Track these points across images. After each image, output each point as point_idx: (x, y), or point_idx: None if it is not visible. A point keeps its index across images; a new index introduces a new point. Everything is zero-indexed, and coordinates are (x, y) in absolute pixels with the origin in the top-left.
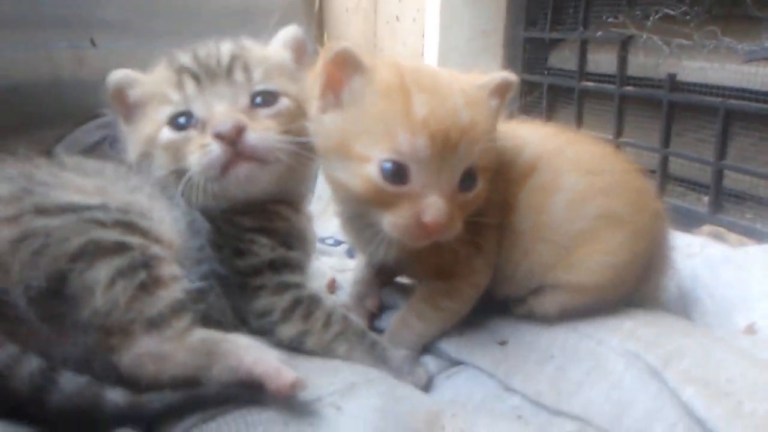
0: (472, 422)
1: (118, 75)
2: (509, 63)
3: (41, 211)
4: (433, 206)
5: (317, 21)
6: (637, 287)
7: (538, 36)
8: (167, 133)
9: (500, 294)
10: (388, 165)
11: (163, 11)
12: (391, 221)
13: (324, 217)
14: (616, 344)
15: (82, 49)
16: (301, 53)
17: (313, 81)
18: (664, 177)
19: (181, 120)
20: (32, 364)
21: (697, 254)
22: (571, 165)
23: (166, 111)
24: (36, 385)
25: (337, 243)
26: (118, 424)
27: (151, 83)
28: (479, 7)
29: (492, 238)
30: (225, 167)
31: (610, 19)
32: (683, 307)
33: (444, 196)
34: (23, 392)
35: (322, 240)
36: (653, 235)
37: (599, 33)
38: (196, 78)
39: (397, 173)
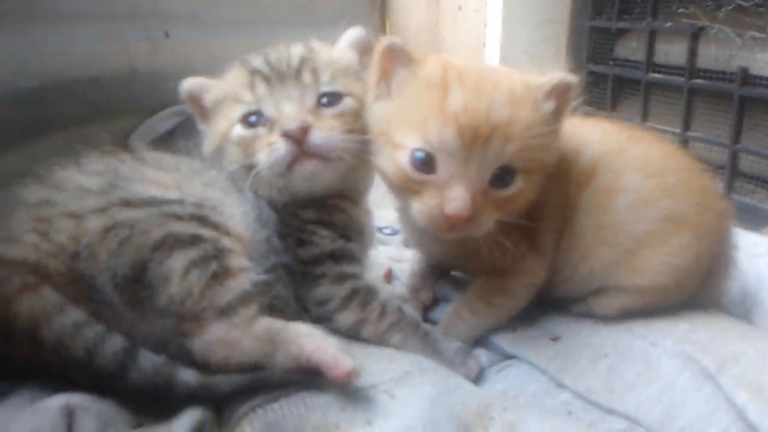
0: (523, 416)
1: (190, 82)
2: (574, 53)
3: (126, 204)
4: (456, 198)
5: (380, 11)
6: (698, 288)
7: (605, 26)
8: (239, 130)
9: (557, 294)
10: (419, 154)
11: (231, 2)
12: (416, 208)
13: (382, 206)
14: (670, 346)
15: (157, 40)
16: (366, 53)
17: (369, 72)
18: (734, 173)
19: (252, 119)
20: (116, 343)
21: (763, 254)
22: (635, 165)
23: (239, 110)
24: (119, 363)
25: (395, 233)
26: (190, 402)
27: (226, 85)
28: None
29: (550, 238)
30: (290, 164)
31: (680, 10)
32: (745, 310)
33: (470, 190)
34: (107, 368)
35: (380, 229)
36: (717, 236)
37: (669, 23)
38: (267, 80)
39: (426, 162)
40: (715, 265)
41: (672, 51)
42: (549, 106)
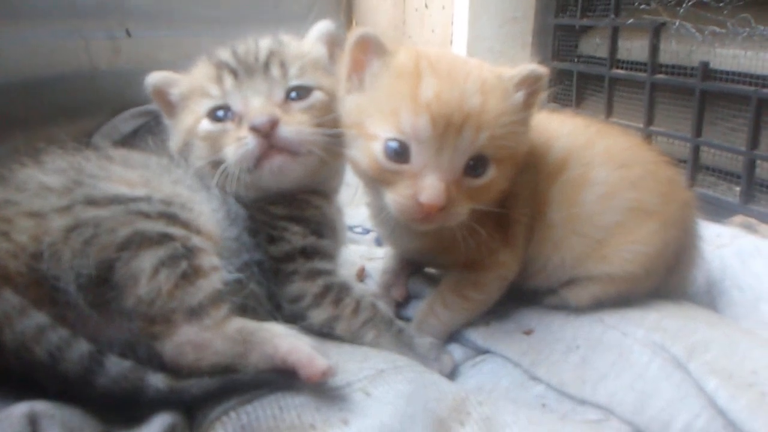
0: (498, 409)
1: (156, 76)
2: (539, 50)
3: (91, 202)
4: (430, 187)
5: (346, 8)
6: (665, 278)
7: (569, 23)
8: (206, 125)
9: (529, 286)
10: (392, 144)
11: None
12: (391, 199)
13: (352, 206)
14: (641, 336)
15: (118, 38)
16: (335, 48)
17: (341, 65)
18: (696, 166)
19: (219, 113)
20: (82, 347)
21: (727, 245)
22: (602, 159)
23: (206, 104)
24: (84, 368)
25: (366, 231)
26: (159, 407)
27: (193, 79)
28: None
29: (520, 231)
30: (259, 159)
31: (642, 6)
32: (711, 299)
33: (443, 179)
34: (73, 373)
35: (351, 228)
36: (683, 225)
37: (631, 20)
38: (234, 73)
39: (399, 152)
40: (682, 255)
41: (634, 47)
42: (519, 96)
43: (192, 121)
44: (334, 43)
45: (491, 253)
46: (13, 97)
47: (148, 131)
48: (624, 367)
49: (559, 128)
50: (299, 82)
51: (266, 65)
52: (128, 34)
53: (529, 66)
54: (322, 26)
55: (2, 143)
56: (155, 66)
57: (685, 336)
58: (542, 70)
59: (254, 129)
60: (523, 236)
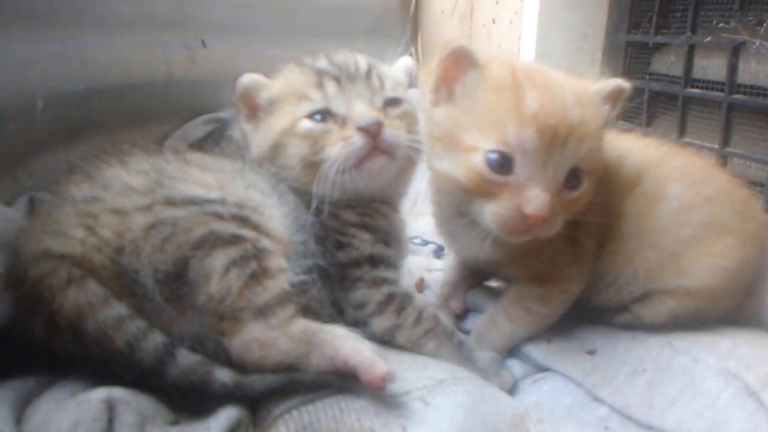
0: (558, 429)
1: (248, 78)
2: (609, 67)
3: (170, 202)
4: (536, 198)
5: (412, 23)
6: (741, 302)
7: (641, 40)
8: (307, 124)
9: (597, 303)
10: (494, 155)
11: (267, 13)
12: (492, 211)
13: (411, 216)
14: (713, 363)
15: (194, 49)
16: (411, 81)
17: (425, 76)
18: None
19: (318, 117)
20: (157, 339)
21: None
22: (676, 174)
23: (306, 107)
24: (158, 358)
25: (425, 243)
26: (225, 400)
27: (287, 83)
28: (579, 10)
29: (590, 246)
30: (363, 158)
31: (720, 24)
32: None
33: (547, 190)
34: (147, 363)
35: (410, 239)
36: (761, 245)
37: (708, 38)
38: (337, 79)
39: (502, 163)
40: (758, 280)
41: (710, 66)
42: (606, 110)
43: (288, 122)
44: (411, 77)
45: (560, 267)
46: (95, 102)
47: (216, 138)
48: (694, 394)
49: (631, 145)
50: (394, 95)
51: (368, 75)
52: (204, 44)
53: (614, 80)
54: (404, 61)
55: (83, 145)
56: (227, 76)
57: (759, 365)
58: (627, 85)
59: (363, 129)
60: (591, 252)
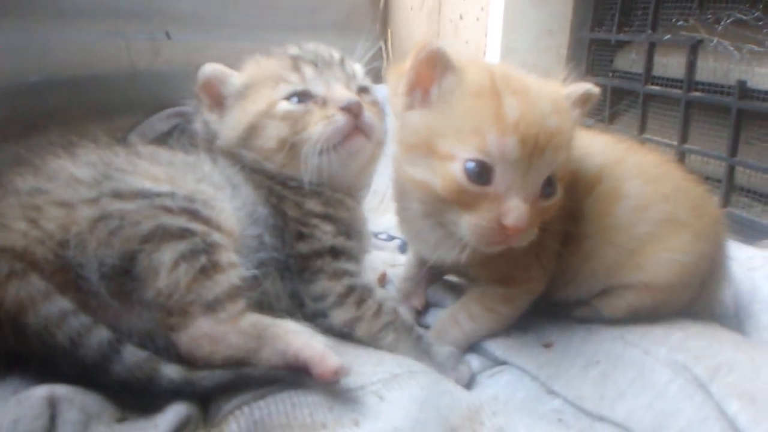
0: (512, 421)
1: (209, 68)
2: (573, 64)
3: (117, 195)
4: (516, 209)
5: (381, 18)
6: (696, 295)
7: (605, 37)
8: (286, 105)
9: (557, 297)
10: (473, 165)
11: (234, 5)
12: (469, 222)
13: (378, 212)
14: (663, 354)
15: (158, 40)
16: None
17: (397, 78)
18: (730, 187)
19: (295, 99)
20: (101, 334)
21: (759, 267)
22: (634, 173)
23: (285, 89)
24: (102, 354)
25: (390, 238)
26: (174, 397)
27: (256, 71)
28: (544, 7)
29: (552, 246)
30: (345, 137)
31: (679, 23)
32: (738, 322)
33: (527, 200)
34: (91, 359)
35: (376, 235)
36: (715, 240)
37: (668, 36)
38: (313, 63)
39: (481, 173)
40: (712, 274)
41: (670, 63)
42: (576, 114)
43: (265, 105)
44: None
45: (524, 268)
46: (55, 94)
47: (181, 131)
48: (644, 386)
49: (592, 144)
50: (365, 83)
51: (341, 61)
52: (168, 36)
53: (583, 85)
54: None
55: (42, 138)
56: (192, 68)
57: (708, 357)
58: (595, 89)
59: (346, 108)
60: (552, 250)
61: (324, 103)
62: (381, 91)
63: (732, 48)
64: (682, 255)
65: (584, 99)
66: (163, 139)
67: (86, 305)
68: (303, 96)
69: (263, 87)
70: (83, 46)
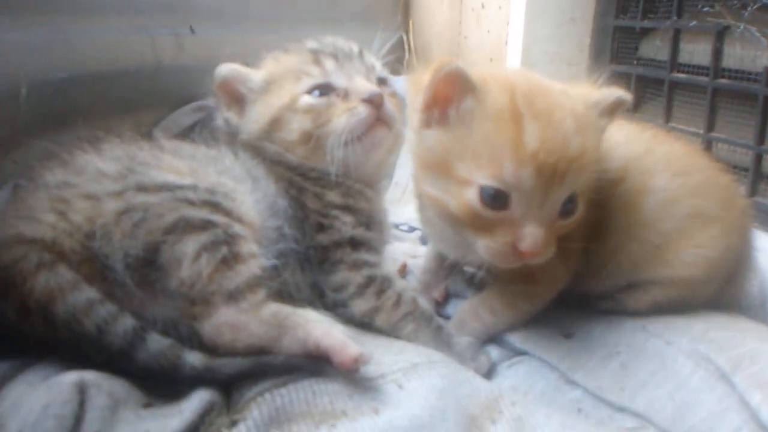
0: (531, 411)
1: (227, 68)
2: (597, 52)
3: (142, 188)
4: (531, 235)
5: (403, 8)
6: (721, 288)
7: (629, 24)
8: (309, 99)
9: (581, 291)
10: (488, 191)
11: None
12: (485, 245)
13: (400, 204)
14: (686, 345)
15: (182, 35)
16: None
17: (414, 92)
18: (758, 175)
19: (317, 92)
20: (127, 322)
21: None
22: (661, 166)
23: (307, 82)
24: (128, 342)
25: (411, 229)
26: (197, 383)
27: (276, 67)
28: None
29: (579, 244)
30: (368, 129)
31: (705, 9)
32: (765, 313)
33: (542, 225)
34: (117, 347)
35: (397, 226)
36: (743, 232)
37: (693, 22)
38: (334, 57)
39: (498, 199)
40: (738, 266)
41: (696, 50)
42: (604, 123)
43: (288, 98)
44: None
45: (548, 269)
46: (81, 90)
47: (204, 125)
48: (665, 377)
49: (617, 136)
50: (383, 74)
51: (360, 54)
52: (192, 31)
53: (615, 92)
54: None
55: (69, 132)
56: (216, 62)
57: (731, 348)
58: (627, 96)
59: (368, 100)
60: (578, 248)
61: (346, 95)
62: (401, 82)
63: (759, 34)
64: (710, 250)
65: (615, 106)
66: (186, 133)
67: (112, 294)
68: (325, 89)
69: (285, 81)
70: (109, 42)
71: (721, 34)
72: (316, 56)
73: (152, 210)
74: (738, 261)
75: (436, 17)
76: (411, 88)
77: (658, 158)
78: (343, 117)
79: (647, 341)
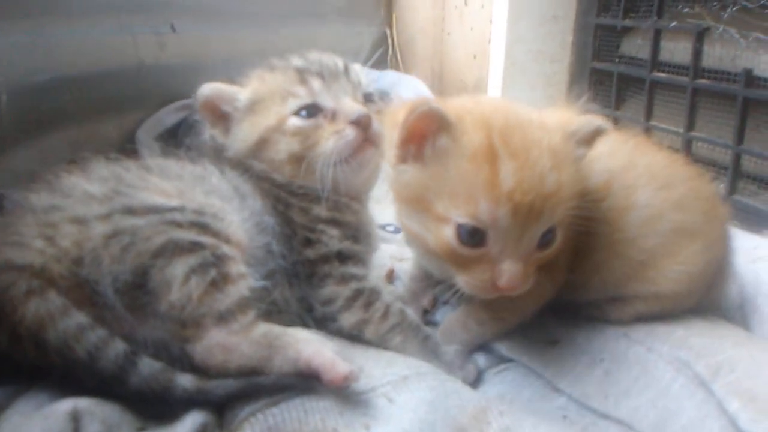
0: (519, 420)
1: (208, 88)
2: (579, 50)
3: (129, 211)
4: (509, 271)
5: (386, 5)
6: (702, 297)
7: (610, 23)
8: (296, 121)
9: (568, 299)
10: (465, 229)
11: None
12: (464, 280)
13: (384, 204)
14: (666, 352)
15: (163, 34)
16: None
17: (390, 127)
18: (736, 174)
19: (304, 113)
20: (118, 347)
21: (763, 258)
22: (644, 180)
23: (294, 103)
24: (119, 367)
25: (397, 230)
26: (189, 405)
27: (261, 86)
28: None
29: (565, 258)
30: (355, 150)
31: (685, 9)
32: (743, 315)
33: (520, 260)
34: (108, 372)
35: (383, 227)
36: (724, 243)
37: (674, 23)
38: (320, 75)
39: (475, 236)
40: (719, 273)
41: (677, 50)
42: (582, 152)
43: (275, 120)
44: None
45: (535, 284)
46: (64, 92)
47: (187, 126)
48: (647, 383)
49: (599, 147)
50: (369, 89)
51: (346, 70)
52: (173, 29)
53: (594, 122)
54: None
55: (53, 137)
56: (199, 60)
57: (710, 354)
58: (606, 125)
59: (355, 122)
60: (565, 262)
61: (333, 116)
62: (387, 77)
63: (738, 35)
64: (693, 266)
65: (593, 136)
66: (170, 134)
67: (102, 319)
68: (312, 109)
69: (271, 102)
70: (90, 43)
71: (701, 35)
72: (302, 75)
73: (140, 233)
74: (719, 270)
75: (419, 13)
76: (387, 123)
77: (641, 172)
78: (331, 140)
79: (629, 348)
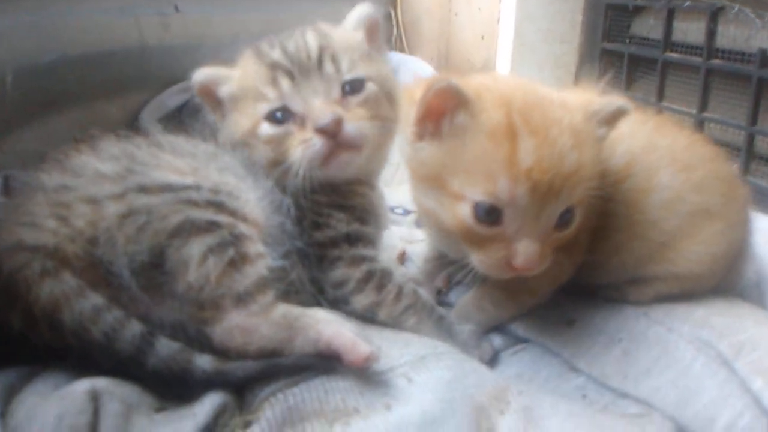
0: (538, 399)
1: (203, 74)
2: (589, 30)
3: (143, 189)
4: (525, 251)
5: None
6: (722, 278)
7: (622, 2)
8: (267, 129)
9: (585, 281)
10: (482, 207)
11: None
12: (479, 259)
13: (393, 185)
14: (687, 331)
15: (167, 15)
16: (374, 31)
17: (407, 105)
18: (750, 155)
19: (278, 115)
20: (134, 328)
21: None
22: (665, 161)
23: (263, 107)
24: (137, 348)
25: (406, 212)
26: (208, 386)
27: (244, 80)
28: None
29: (584, 239)
30: (327, 158)
31: None
32: (760, 294)
33: (537, 240)
34: (125, 353)
35: (392, 209)
36: (745, 223)
37: (687, 2)
38: (289, 74)
39: (491, 214)
40: (738, 254)
41: (690, 29)
42: (603, 132)
43: (249, 124)
44: (372, 27)
45: (553, 264)
46: (67, 73)
47: (190, 108)
48: (668, 363)
49: (620, 128)
50: (352, 76)
51: (319, 62)
52: (177, 9)
53: (615, 101)
54: (360, 10)
55: (57, 118)
56: (202, 41)
57: (732, 334)
58: (628, 106)
59: (320, 130)
60: (584, 243)
61: (303, 121)
62: (392, 58)
63: (753, 15)
64: (714, 246)
65: (615, 116)
66: (173, 116)
67: (117, 300)
68: (284, 112)
69: (248, 101)
70: (94, 24)
71: (715, 15)
72: (273, 74)
73: (155, 212)
74: (739, 251)
75: None
76: (404, 101)
77: (662, 154)
78: (299, 149)
79: (649, 328)
